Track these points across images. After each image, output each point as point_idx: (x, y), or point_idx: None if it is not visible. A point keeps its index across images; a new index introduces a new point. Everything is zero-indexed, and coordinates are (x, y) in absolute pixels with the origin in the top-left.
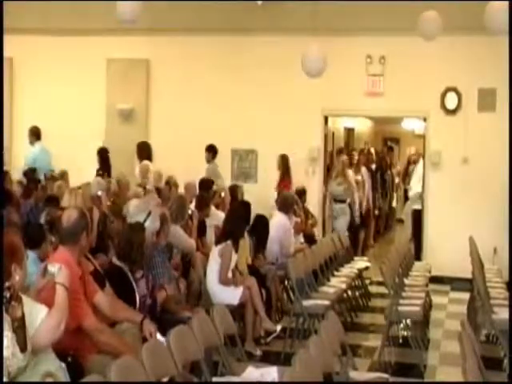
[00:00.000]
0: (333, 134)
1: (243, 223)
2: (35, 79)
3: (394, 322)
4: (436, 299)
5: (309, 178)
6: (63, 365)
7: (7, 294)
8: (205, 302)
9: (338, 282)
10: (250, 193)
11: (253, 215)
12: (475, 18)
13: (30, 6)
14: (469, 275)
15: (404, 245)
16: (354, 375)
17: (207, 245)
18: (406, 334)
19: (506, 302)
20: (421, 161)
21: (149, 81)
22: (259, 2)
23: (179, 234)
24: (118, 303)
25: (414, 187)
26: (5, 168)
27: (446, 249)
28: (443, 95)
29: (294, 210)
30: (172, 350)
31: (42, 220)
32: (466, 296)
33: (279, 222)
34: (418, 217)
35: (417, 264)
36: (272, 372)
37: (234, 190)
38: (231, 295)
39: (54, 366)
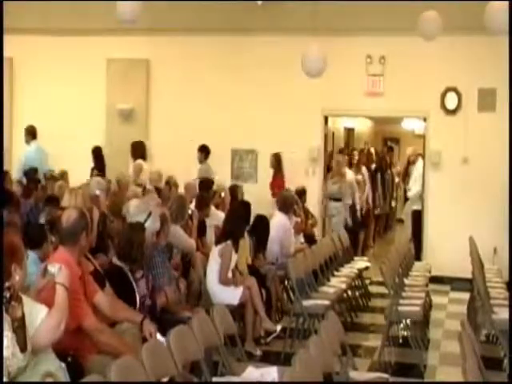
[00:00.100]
0: (333, 134)
1: (243, 223)
2: (35, 79)
3: (394, 322)
4: (436, 299)
5: (309, 178)
6: (63, 365)
7: (7, 294)
8: (205, 302)
9: (337, 282)
10: (249, 193)
11: (253, 215)
12: (475, 18)
13: (29, 6)
14: (469, 275)
15: (404, 245)
16: (353, 375)
17: (207, 245)
18: (406, 333)
19: (506, 302)
20: (419, 161)
21: (149, 81)
22: (259, 2)
23: (179, 234)
24: (118, 303)
25: (413, 188)
26: (5, 168)
27: (446, 249)
28: (443, 95)
29: (294, 210)
30: (172, 350)
31: (42, 220)
32: (466, 296)
33: (279, 222)
34: (417, 217)
35: (417, 264)
36: (272, 372)
37: (234, 190)
38: (231, 295)
39: (53, 366)
